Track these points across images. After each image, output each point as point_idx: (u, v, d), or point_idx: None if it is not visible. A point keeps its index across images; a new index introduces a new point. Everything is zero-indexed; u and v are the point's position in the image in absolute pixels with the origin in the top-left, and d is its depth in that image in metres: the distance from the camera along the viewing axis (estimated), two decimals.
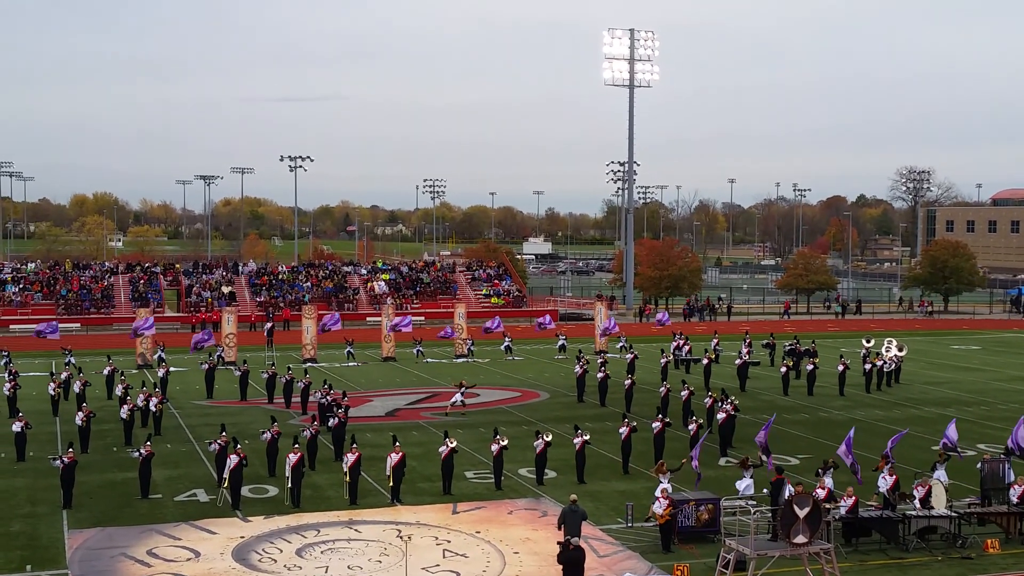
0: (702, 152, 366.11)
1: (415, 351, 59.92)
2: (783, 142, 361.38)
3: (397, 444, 28.85)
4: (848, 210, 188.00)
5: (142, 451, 29.26)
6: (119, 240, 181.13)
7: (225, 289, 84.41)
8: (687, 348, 57.10)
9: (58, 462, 28.39)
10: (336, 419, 34.53)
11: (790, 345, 55.93)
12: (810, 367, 48.83)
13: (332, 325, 58.07)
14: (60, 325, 74.04)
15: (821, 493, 24.64)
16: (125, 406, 36.81)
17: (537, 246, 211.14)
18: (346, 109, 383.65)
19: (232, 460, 27.66)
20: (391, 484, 28.58)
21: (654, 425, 33.40)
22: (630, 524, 26.73)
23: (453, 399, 42.25)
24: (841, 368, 48.48)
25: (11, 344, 59.54)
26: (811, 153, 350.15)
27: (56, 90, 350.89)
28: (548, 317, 65.17)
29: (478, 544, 25.27)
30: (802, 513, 19.66)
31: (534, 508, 28.47)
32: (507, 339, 62.38)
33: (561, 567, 21.01)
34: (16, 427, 33.83)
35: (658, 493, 25.29)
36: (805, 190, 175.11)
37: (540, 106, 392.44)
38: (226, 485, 27.93)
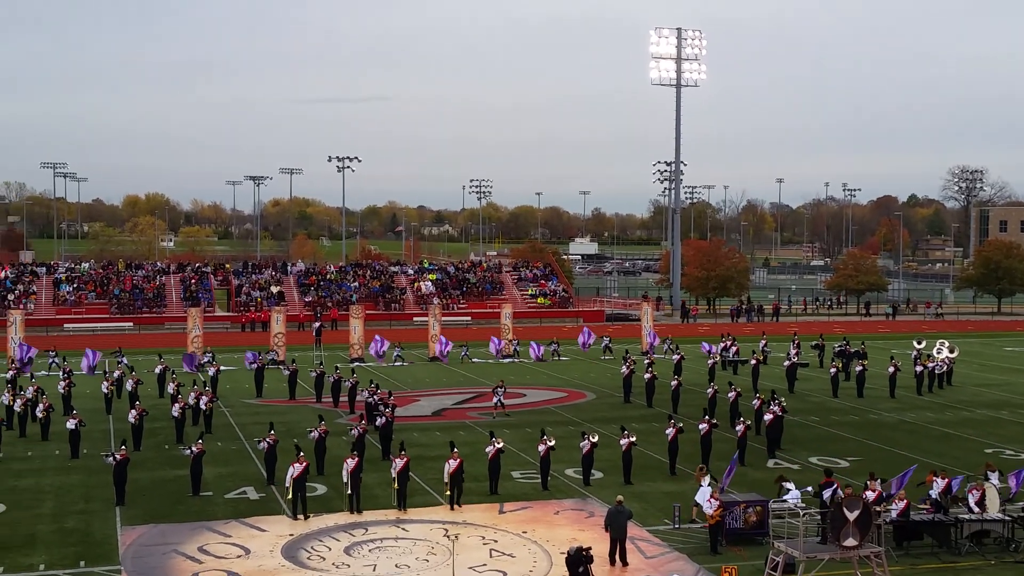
0: (750, 152, 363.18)
1: (461, 352, 60.09)
2: (833, 141, 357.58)
3: (455, 451, 28.45)
4: (899, 210, 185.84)
5: (193, 449, 29.63)
6: (170, 240, 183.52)
7: (274, 289, 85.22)
8: (735, 349, 56.75)
9: (111, 459, 28.82)
10: (383, 418, 34.76)
11: (840, 346, 55.39)
12: (859, 368, 48.31)
13: (380, 349, 57.95)
14: (113, 324, 75.37)
15: (871, 495, 24.38)
16: (176, 404, 37.30)
17: (583, 246, 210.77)
18: (394, 110, 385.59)
19: (296, 468, 27.29)
20: (448, 492, 28.16)
21: (701, 426, 33.21)
22: (677, 525, 26.62)
23: (494, 400, 42.17)
24: (892, 370, 47.91)
25: (65, 343, 60.54)
26: (861, 152, 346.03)
27: (109, 93, 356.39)
28: (587, 331, 63.82)
29: (525, 544, 25.30)
30: (852, 516, 19.47)
31: (581, 508, 28.45)
32: (554, 340, 62.33)
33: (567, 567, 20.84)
34: (70, 424, 34.41)
35: (706, 496, 25.12)
36: (855, 190, 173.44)
37: (587, 106, 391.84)
38: (288, 496, 27.46)
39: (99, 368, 50.35)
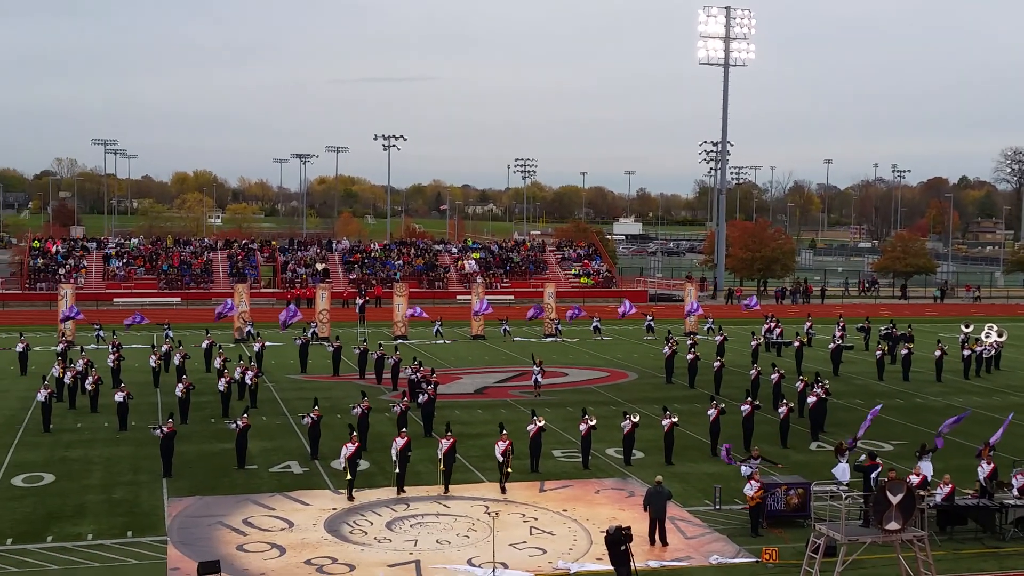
0: (797, 132, 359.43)
1: (502, 330, 60.22)
2: (882, 122, 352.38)
3: (504, 432, 28.14)
4: (949, 192, 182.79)
5: (239, 423, 30.02)
6: (218, 217, 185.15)
7: (319, 266, 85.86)
8: (778, 331, 56.34)
9: (158, 431, 29.28)
10: (426, 395, 34.99)
11: (886, 329, 54.85)
12: (905, 352, 47.81)
13: (415, 314, 58.83)
14: (161, 300, 76.40)
15: (915, 479, 24.20)
16: (223, 379, 37.75)
17: (628, 226, 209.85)
18: (440, 90, 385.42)
19: (348, 448, 27.28)
20: (500, 476, 27.99)
21: (743, 408, 33.08)
22: (718, 507, 26.59)
23: (535, 379, 42.11)
24: (938, 353, 47.38)
25: (115, 317, 61.39)
26: (911, 133, 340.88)
27: (159, 73, 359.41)
28: (627, 303, 63.68)
29: (565, 522, 25.40)
30: (895, 499, 19.31)
31: (621, 488, 28.49)
32: (596, 319, 62.28)
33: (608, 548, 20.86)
34: (119, 397, 35.00)
35: (844, 472, 25.28)
36: (904, 171, 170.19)
37: (632, 86, 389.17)
38: (347, 477, 27.32)
39: (141, 334, 51.03)
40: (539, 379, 41.69)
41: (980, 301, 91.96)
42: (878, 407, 31.14)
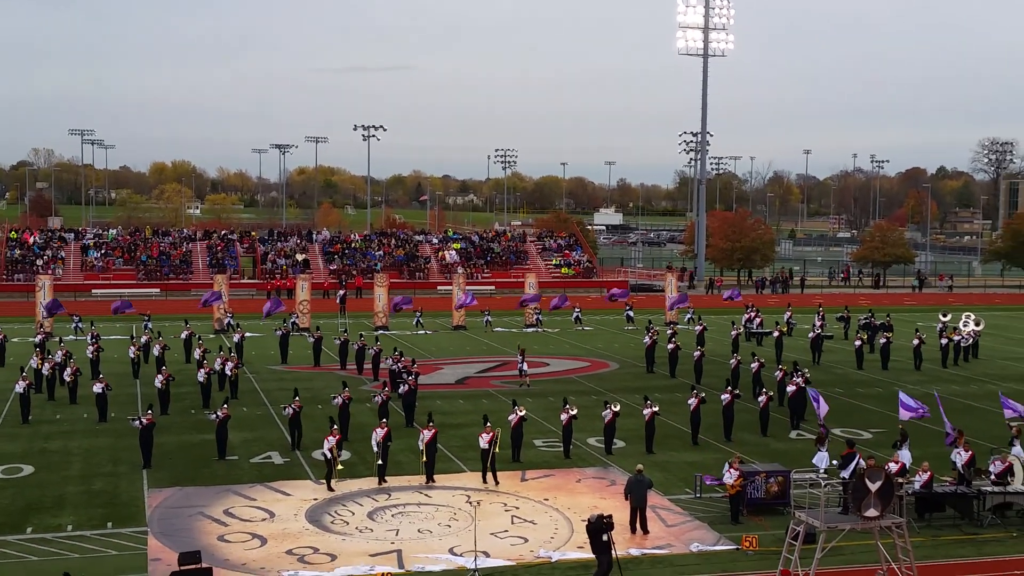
0: (776, 123, 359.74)
1: (484, 320, 60.22)
2: (860, 113, 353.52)
3: (488, 424, 27.94)
4: (927, 182, 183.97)
5: (219, 414, 29.93)
6: (197, 208, 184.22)
7: (299, 256, 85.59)
8: (758, 321, 56.58)
9: (137, 423, 29.16)
10: (406, 386, 34.97)
11: (865, 319, 55.13)
12: (884, 341, 48.09)
13: (404, 305, 58.35)
14: (140, 291, 76.02)
15: (894, 467, 24.37)
16: (202, 370, 37.63)
17: (608, 217, 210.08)
18: (419, 79, 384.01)
19: (330, 441, 27.06)
20: (483, 468, 27.84)
21: (723, 397, 33.23)
22: (698, 495, 26.72)
23: (519, 368, 42.13)
24: (916, 342, 47.70)
25: (93, 308, 61.07)
26: (890, 124, 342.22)
27: (136, 62, 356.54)
28: (620, 289, 64.18)
29: (546, 511, 25.47)
30: (874, 487, 19.45)
31: (602, 477, 28.58)
32: (576, 309, 62.36)
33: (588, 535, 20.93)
34: (97, 388, 34.82)
35: (823, 460, 25.55)
36: (883, 162, 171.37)
37: (612, 76, 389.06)
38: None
39: (120, 325, 50.79)
40: (524, 367, 41.72)
41: (953, 290, 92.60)
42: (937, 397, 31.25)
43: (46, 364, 38.78)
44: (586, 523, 20.98)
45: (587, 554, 21.27)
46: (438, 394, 39.68)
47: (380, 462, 27.61)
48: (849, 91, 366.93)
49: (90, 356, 41.95)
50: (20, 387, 34.69)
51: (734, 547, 22.90)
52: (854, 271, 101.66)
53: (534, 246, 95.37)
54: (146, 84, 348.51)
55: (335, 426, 27.95)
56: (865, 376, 45.43)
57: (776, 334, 49.44)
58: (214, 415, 30.33)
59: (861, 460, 24.13)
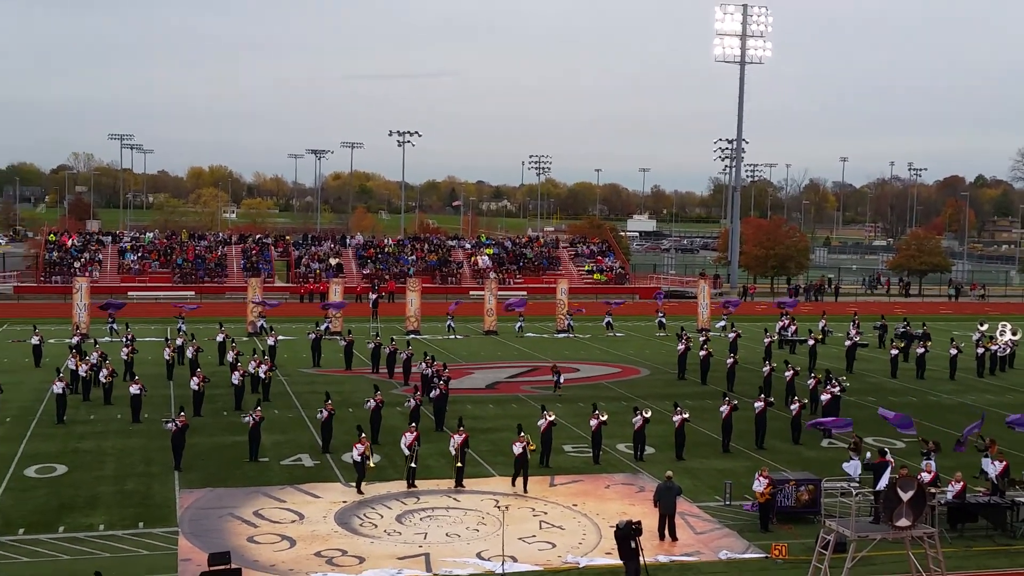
0: (813, 130, 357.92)
1: (516, 326, 60.21)
2: (898, 120, 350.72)
3: (522, 434, 27.57)
4: (966, 190, 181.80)
5: (253, 416, 30.11)
6: (233, 212, 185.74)
7: (333, 261, 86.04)
8: (793, 328, 56.18)
9: (171, 425, 29.38)
10: (437, 390, 35.04)
11: (901, 327, 54.61)
12: (921, 351, 47.61)
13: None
14: (175, 293, 76.76)
15: (926, 477, 24.11)
16: (236, 372, 37.89)
17: (642, 223, 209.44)
18: (455, 86, 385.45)
19: (359, 448, 27.10)
20: (514, 473, 27.61)
21: (756, 404, 33.03)
22: (728, 502, 26.57)
23: (555, 383, 41.15)
24: (953, 352, 47.19)
25: (129, 311, 61.61)
26: (928, 132, 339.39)
27: (175, 67, 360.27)
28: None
29: (574, 517, 25.43)
30: (906, 496, 19.25)
31: (631, 483, 28.49)
32: (608, 315, 62.24)
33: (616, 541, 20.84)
34: (134, 390, 35.18)
35: (856, 469, 25.44)
36: (921, 169, 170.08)
37: (648, 83, 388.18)
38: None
39: (155, 327, 51.28)
40: (560, 381, 41.36)
41: (987, 299, 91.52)
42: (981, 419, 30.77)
43: (82, 365, 39.20)
44: (614, 529, 20.92)
45: (615, 560, 21.21)
46: (469, 399, 39.72)
47: (412, 465, 27.61)
48: (887, 98, 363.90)
49: (124, 358, 42.33)
50: (58, 388, 35.08)
51: (763, 555, 22.76)
52: (885, 279, 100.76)
53: (567, 252, 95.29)
54: (185, 89, 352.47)
55: (363, 434, 27.84)
56: (899, 385, 45.00)
57: (811, 342, 49.05)
58: (248, 418, 30.50)
59: (893, 469, 23.90)
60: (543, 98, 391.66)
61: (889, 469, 24.68)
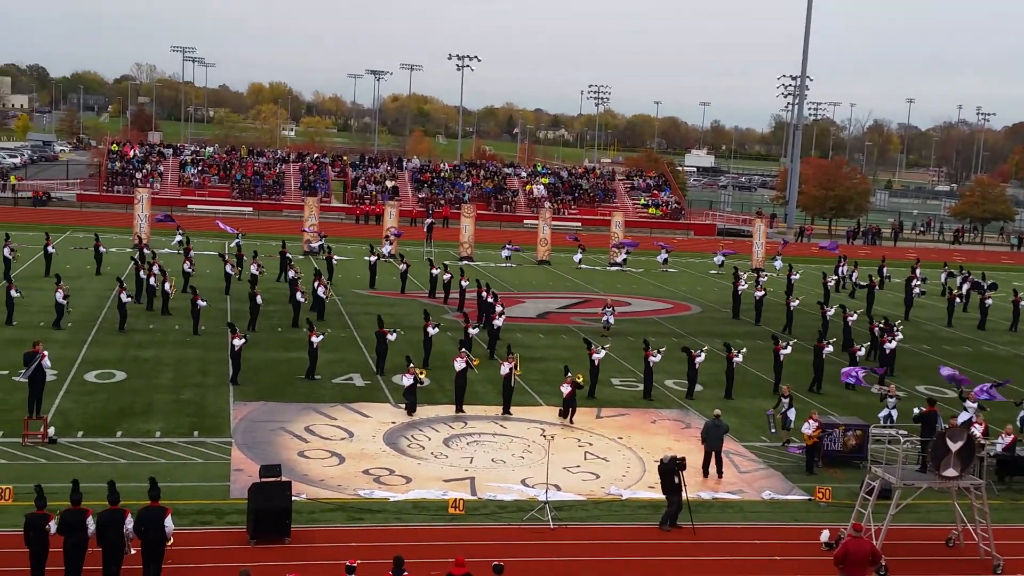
0: (880, 70, 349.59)
1: (576, 258, 59.82)
2: (968, 63, 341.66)
3: (568, 375, 27.53)
4: None
5: (316, 339, 30.59)
6: (291, 130, 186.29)
7: (389, 183, 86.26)
8: (854, 273, 55.27)
9: (241, 340, 29.62)
10: (490, 317, 35.23)
11: (964, 277, 53.69)
12: (987, 300, 46.82)
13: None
14: (233, 208, 77.43)
15: (978, 429, 23.93)
16: (298, 291, 38.31)
17: (699, 158, 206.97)
18: (516, 11, 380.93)
19: (407, 380, 27.40)
20: (562, 409, 27.81)
21: (812, 347, 32.81)
22: (773, 429, 26.53)
23: (604, 321, 40.07)
24: (1014, 301, 46.44)
25: (189, 224, 62.42)
26: (998, 76, 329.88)
27: None
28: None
29: (619, 450, 25.63)
30: (955, 447, 19.18)
31: (679, 419, 28.61)
32: (664, 251, 61.84)
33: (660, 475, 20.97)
34: (202, 303, 35.75)
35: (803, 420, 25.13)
36: (989, 114, 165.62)
37: (712, 15, 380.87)
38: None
39: (213, 241, 51.89)
40: (610, 320, 40.16)
41: (1020, 248, 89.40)
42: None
43: (145, 275, 39.85)
44: (658, 463, 21.08)
45: (657, 494, 21.40)
46: (519, 327, 39.93)
47: (457, 390, 27.90)
48: (958, 40, 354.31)
49: (188, 270, 43.05)
50: (124, 296, 35.70)
51: (807, 498, 22.84)
52: (935, 226, 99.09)
53: (623, 184, 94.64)
54: (247, 4, 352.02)
55: (412, 364, 27.99)
56: (954, 334, 44.47)
57: (870, 286, 48.33)
58: (318, 334, 30.90)
59: (942, 419, 23.79)
60: (605, 26, 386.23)
61: (938, 418, 24.60)
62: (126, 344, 33.65)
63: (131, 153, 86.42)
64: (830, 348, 32.81)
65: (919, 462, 20.79)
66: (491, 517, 20.82)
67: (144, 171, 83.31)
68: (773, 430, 26.83)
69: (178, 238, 54.89)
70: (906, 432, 24.29)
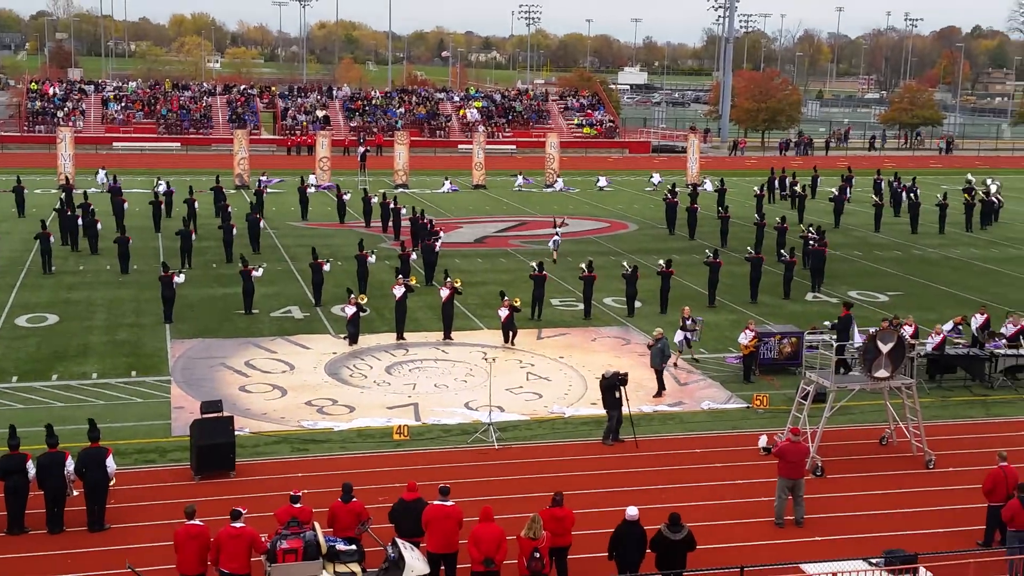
0: None
1: (516, 184, 59.54)
2: None
3: (505, 299, 27.55)
4: (961, 42, 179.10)
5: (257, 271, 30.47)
6: (217, 62, 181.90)
7: (319, 113, 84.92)
8: (790, 182, 55.42)
9: (180, 278, 29.53)
10: (426, 243, 35.08)
11: (893, 182, 54.36)
12: (911, 202, 47.61)
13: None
14: (160, 144, 75.82)
15: (908, 330, 24.47)
16: (229, 224, 37.74)
17: (633, 76, 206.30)
18: None
19: (349, 310, 27.26)
20: (503, 334, 27.70)
21: (746, 259, 33.19)
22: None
23: (553, 241, 39.44)
24: (941, 205, 47.31)
25: (115, 161, 61.05)
26: None
27: None
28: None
29: (561, 369, 25.85)
30: (885, 348, 19.60)
31: (618, 336, 28.86)
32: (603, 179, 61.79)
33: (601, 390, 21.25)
34: (122, 241, 35.09)
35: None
36: (917, 20, 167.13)
37: None
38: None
39: (141, 179, 50.89)
40: (559, 240, 39.51)
41: (948, 152, 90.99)
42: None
43: (69, 215, 38.98)
44: (600, 379, 21.31)
45: (599, 410, 21.68)
46: (457, 252, 39.84)
47: (396, 321, 27.88)
48: None
49: (113, 209, 42.15)
50: (50, 238, 34.91)
51: (745, 405, 23.29)
52: (867, 135, 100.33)
53: (556, 105, 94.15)
54: None
55: (352, 295, 27.84)
56: (884, 239, 45.25)
57: (800, 195, 48.88)
58: (258, 269, 30.90)
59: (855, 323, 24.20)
60: None
61: (852, 322, 25.11)
62: (56, 287, 33.03)
63: (51, 91, 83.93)
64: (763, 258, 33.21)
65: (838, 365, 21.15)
66: (436, 441, 20.95)
67: (66, 109, 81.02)
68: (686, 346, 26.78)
69: (101, 176, 53.81)
70: (835, 337, 24.80)
